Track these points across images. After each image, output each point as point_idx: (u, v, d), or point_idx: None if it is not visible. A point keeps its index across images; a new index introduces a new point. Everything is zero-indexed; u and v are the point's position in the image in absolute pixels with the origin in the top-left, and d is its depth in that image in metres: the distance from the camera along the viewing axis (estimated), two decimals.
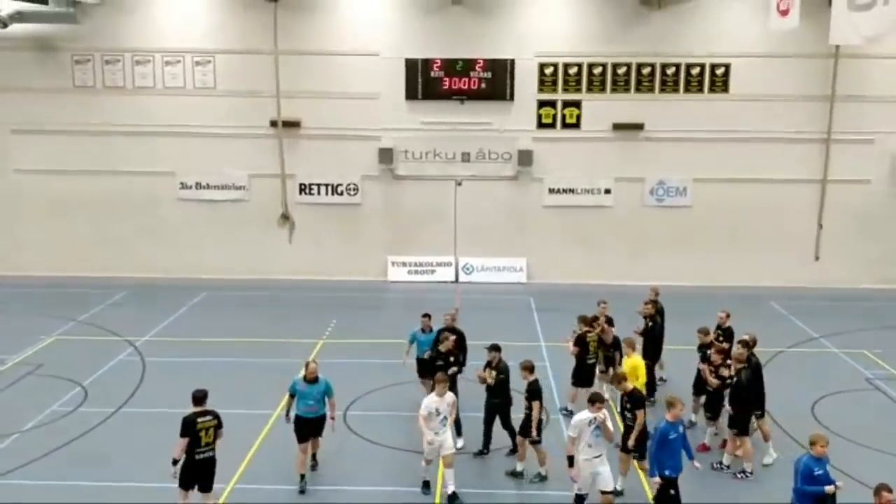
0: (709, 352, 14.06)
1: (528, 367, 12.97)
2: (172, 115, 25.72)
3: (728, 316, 15.71)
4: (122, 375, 17.59)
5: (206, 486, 11.30)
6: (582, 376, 15.29)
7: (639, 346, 15.27)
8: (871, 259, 25.78)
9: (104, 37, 25.47)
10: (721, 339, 15.26)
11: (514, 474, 13.20)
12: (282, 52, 25.06)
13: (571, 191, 26.17)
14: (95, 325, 21.26)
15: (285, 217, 26.39)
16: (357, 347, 19.29)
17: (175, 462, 11.02)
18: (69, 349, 19.36)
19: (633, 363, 14.12)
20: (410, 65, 25.33)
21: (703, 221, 25.94)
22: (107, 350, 19.08)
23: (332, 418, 12.77)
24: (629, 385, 12.48)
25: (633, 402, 12.32)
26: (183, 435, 11.02)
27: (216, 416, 11.32)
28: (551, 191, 26.16)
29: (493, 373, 13.44)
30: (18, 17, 24.38)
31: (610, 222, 26.14)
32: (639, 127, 25.59)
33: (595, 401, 11.23)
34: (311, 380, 12.48)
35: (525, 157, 25.67)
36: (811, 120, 25.28)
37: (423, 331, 15.13)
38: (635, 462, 12.63)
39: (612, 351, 15.50)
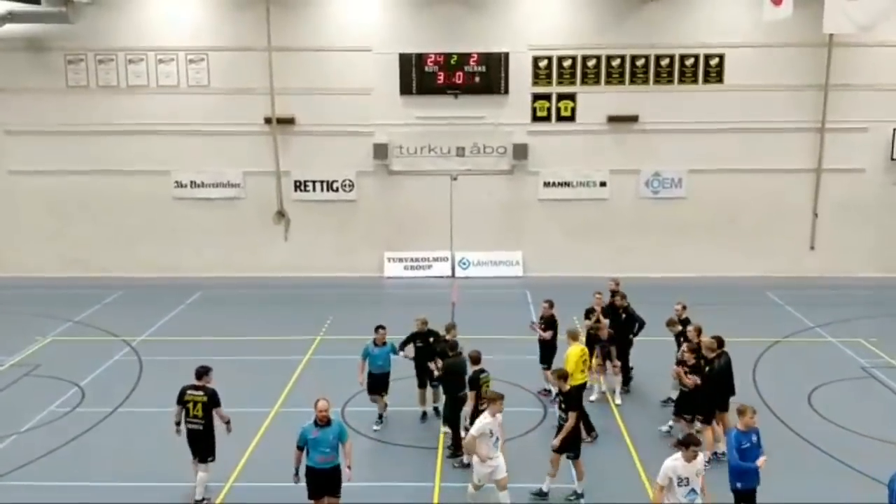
0: (682, 350, 13.94)
1: (563, 377, 12.23)
2: (166, 113, 25.68)
3: (685, 308, 15.66)
4: (119, 375, 17.59)
5: (199, 456, 12.10)
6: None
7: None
8: (867, 248, 25.83)
9: (97, 36, 25.40)
10: (679, 328, 15.24)
11: (540, 494, 12.26)
12: (275, 48, 25.01)
13: (567, 184, 26.17)
14: (92, 325, 21.26)
15: (281, 214, 26.39)
16: (354, 344, 19.05)
17: (177, 423, 12.16)
18: (66, 349, 19.36)
19: (570, 353, 14.00)
20: (404, 60, 25.30)
21: (699, 212, 25.96)
22: (103, 350, 19.08)
23: (349, 467, 11.09)
24: (566, 386, 12.18)
25: (568, 402, 12.08)
26: (177, 402, 12.14)
27: (208, 394, 11.94)
28: (547, 184, 26.15)
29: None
30: (10, 17, 24.28)
31: (606, 215, 26.15)
32: (633, 119, 25.59)
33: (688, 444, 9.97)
34: (324, 423, 10.87)
35: (520, 151, 25.66)
36: (805, 109, 25.28)
37: (375, 344, 14.38)
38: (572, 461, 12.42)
39: (607, 345, 15.52)
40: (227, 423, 12.29)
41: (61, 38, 25.33)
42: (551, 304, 16.03)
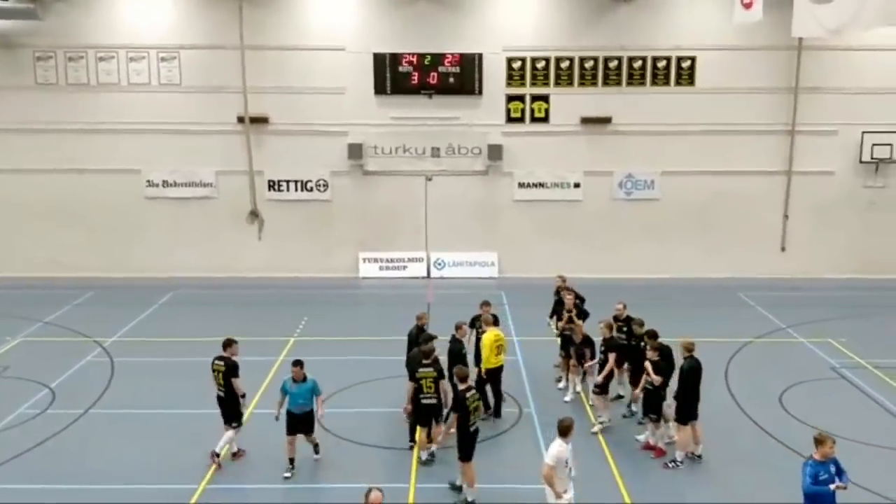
0: (646, 351, 14.05)
1: (463, 378, 12.29)
2: (137, 112, 25.43)
3: (625, 307, 15.80)
4: (90, 376, 17.38)
5: (224, 420, 13.44)
6: None
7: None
8: (837, 249, 26.18)
9: (66, 33, 25.08)
10: (624, 328, 15.38)
11: (454, 487, 12.39)
12: (248, 47, 24.86)
13: (541, 185, 26.26)
14: (62, 326, 20.97)
15: (254, 214, 26.23)
16: (329, 345, 19.22)
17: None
18: (36, 351, 19.09)
19: (485, 338, 14.61)
20: (378, 59, 25.24)
21: (671, 214, 26.18)
22: (74, 351, 18.83)
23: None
24: (462, 385, 12.15)
25: (456, 402, 12.17)
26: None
27: (227, 365, 13.27)
28: (521, 185, 26.23)
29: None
30: None
31: (579, 216, 26.27)
32: (606, 121, 25.74)
33: None
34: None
35: (495, 152, 25.71)
36: (776, 112, 25.59)
37: (294, 380, 12.95)
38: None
39: (581, 348, 15.57)
40: (242, 396, 13.39)
41: (30, 34, 25.00)
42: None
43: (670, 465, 13.27)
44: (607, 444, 14.11)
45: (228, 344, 13.54)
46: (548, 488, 10.41)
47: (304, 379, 12.93)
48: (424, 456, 13.40)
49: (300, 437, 13.05)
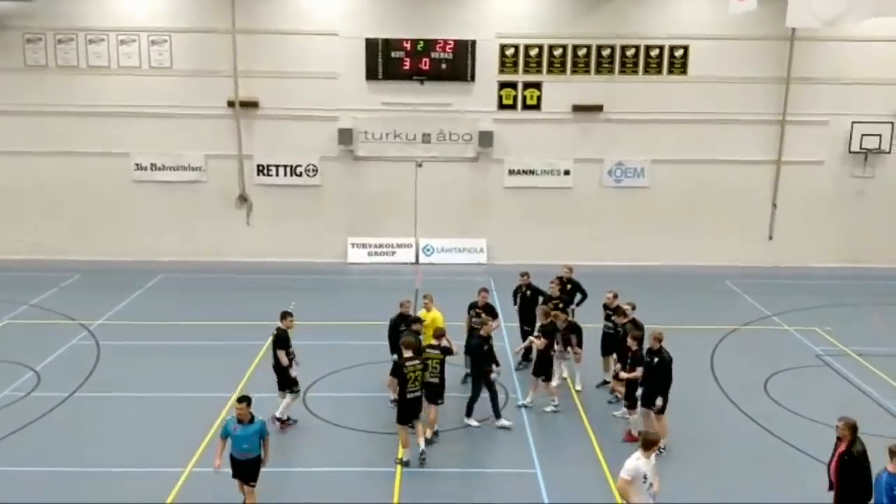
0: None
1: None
2: (127, 95, 25.25)
3: (615, 296, 15.79)
4: (75, 360, 17.32)
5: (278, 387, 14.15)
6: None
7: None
8: (824, 238, 26.28)
9: (57, 15, 24.84)
10: (613, 317, 15.46)
11: (401, 463, 12.84)
12: (239, 31, 24.71)
13: (531, 172, 26.24)
14: (48, 309, 20.88)
15: (243, 198, 26.14)
16: (317, 329, 19.16)
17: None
18: (21, 333, 19.02)
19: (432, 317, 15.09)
20: (371, 45, 25.13)
21: (660, 202, 26.20)
22: (60, 334, 18.77)
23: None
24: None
25: None
26: None
27: (273, 335, 13.98)
28: (511, 172, 26.20)
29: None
30: None
31: (569, 203, 26.28)
32: (598, 108, 25.71)
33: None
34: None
35: (486, 139, 25.67)
36: (767, 102, 25.61)
37: (239, 421, 10.99)
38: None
39: (567, 334, 15.61)
40: (287, 366, 13.81)
41: (20, 16, 24.76)
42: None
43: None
44: (593, 431, 14.17)
45: (283, 316, 13.96)
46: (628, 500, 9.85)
47: (251, 419, 11.00)
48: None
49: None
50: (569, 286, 17.11)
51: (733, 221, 26.23)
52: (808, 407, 14.97)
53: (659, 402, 13.02)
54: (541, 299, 16.67)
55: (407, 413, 12.85)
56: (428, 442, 13.23)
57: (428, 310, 15.32)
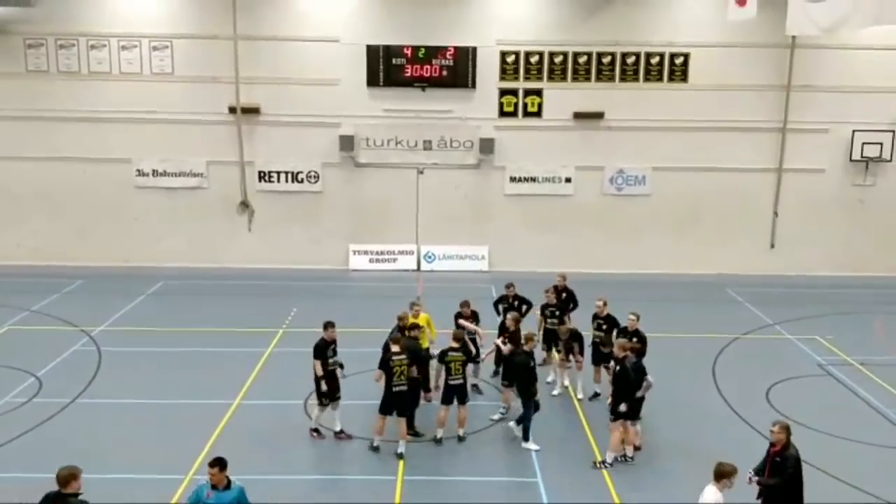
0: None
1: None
2: (129, 100, 25.27)
3: (605, 304, 15.79)
4: (77, 366, 17.30)
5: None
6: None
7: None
8: (825, 247, 26.28)
9: (58, 20, 24.88)
10: (604, 326, 15.49)
11: (372, 448, 13.49)
12: (241, 37, 24.75)
13: (533, 179, 26.26)
14: (50, 315, 20.88)
15: (244, 205, 26.15)
16: (318, 336, 19.12)
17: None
18: (22, 339, 18.99)
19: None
20: (372, 51, 25.17)
21: (662, 210, 26.22)
22: (62, 340, 18.75)
23: None
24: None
25: None
26: None
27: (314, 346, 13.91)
28: (513, 179, 26.22)
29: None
30: None
31: (570, 211, 26.29)
32: (599, 116, 25.73)
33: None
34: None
35: (487, 146, 25.69)
36: (768, 109, 25.64)
37: (213, 486, 9.51)
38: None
39: (570, 342, 15.64)
40: (320, 377, 13.62)
41: (21, 21, 24.80)
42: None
43: (620, 459, 13.20)
44: (595, 440, 14.15)
45: (324, 327, 13.90)
46: None
47: (228, 485, 9.48)
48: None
49: None
50: (563, 294, 17.15)
51: (734, 229, 26.24)
52: (811, 416, 14.92)
53: (622, 407, 13.03)
54: (524, 308, 16.65)
55: (389, 404, 13.36)
56: (460, 439, 13.87)
57: (417, 316, 15.41)
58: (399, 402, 13.35)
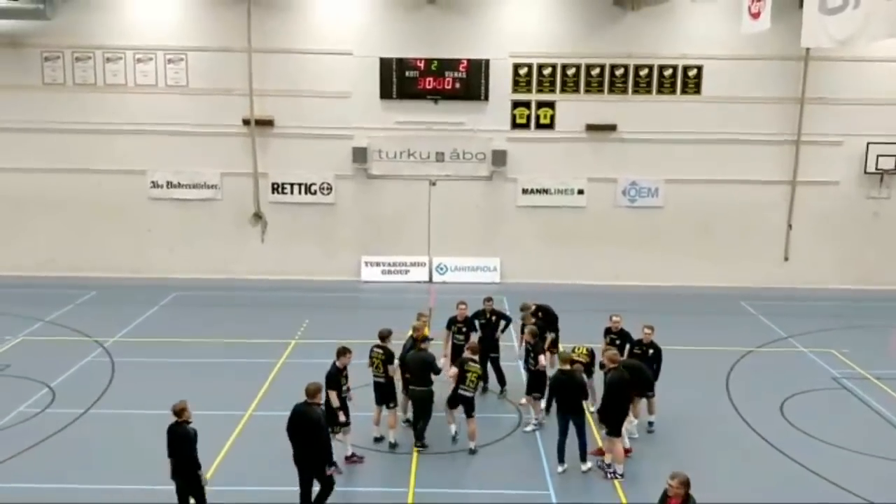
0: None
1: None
2: (144, 113, 25.47)
3: (620, 319, 15.60)
4: (90, 376, 17.36)
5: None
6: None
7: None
8: (840, 259, 26.14)
9: (74, 33, 25.13)
10: (617, 341, 15.26)
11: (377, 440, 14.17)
12: (255, 50, 24.91)
13: (545, 191, 26.25)
14: (63, 326, 20.99)
15: (258, 216, 26.25)
16: (330, 347, 18.98)
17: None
18: (37, 350, 19.08)
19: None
20: (385, 64, 25.28)
21: (675, 222, 26.14)
22: (75, 351, 18.83)
23: None
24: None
25: None
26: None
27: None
28: (525, 191, 26.22)
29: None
30: None
31: (583, 223, 26.25)
32: (612, 128, 25.72)
33: None
34: None
35: (499, 158, 25.71)
36: (781, 122, 25.56)
37: None
38: None
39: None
40: (336, 408, 13.02)
41: (38, 34, 25.06)
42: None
43: (610, 476, 13.05)
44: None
45: (338, 354, 13.26)
46: None
47: None
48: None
49: None
50: (540, 313, 16.74)
51: (748, 242, 26.13)
52: (826, 431, 14.82)
53: (593, 408, 13.27)
54: (502, 324, 16.51)
55: (376, 394, 14.18)
56: (472, 451, 13.91)
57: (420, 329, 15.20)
58: (380, 393, 14.09)
